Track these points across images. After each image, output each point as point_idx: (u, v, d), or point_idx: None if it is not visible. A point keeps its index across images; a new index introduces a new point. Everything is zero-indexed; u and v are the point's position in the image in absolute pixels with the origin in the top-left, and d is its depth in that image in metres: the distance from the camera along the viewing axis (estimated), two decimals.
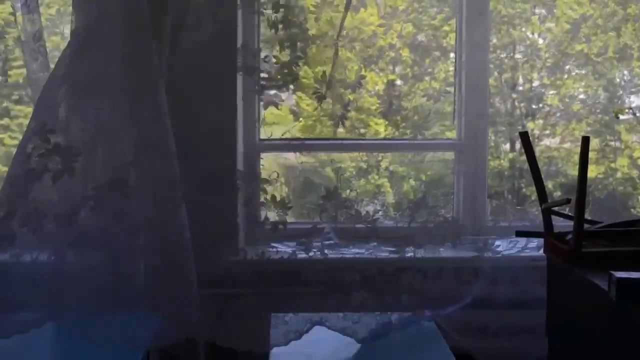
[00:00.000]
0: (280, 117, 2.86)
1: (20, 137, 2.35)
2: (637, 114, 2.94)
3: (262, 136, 2.76)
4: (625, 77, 2.97)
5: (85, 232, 2.29)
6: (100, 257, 2.30)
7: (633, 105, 2.94)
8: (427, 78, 2.96)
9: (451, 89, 2.86)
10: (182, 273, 2.32)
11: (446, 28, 2.91)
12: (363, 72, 2.89)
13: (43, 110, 2.28)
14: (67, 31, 2.64)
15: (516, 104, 2.97)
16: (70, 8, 2.35)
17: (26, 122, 2.44)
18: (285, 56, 2.72)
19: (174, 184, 2.33)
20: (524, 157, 2.28)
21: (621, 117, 2.92)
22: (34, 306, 2.23)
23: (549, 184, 2.83)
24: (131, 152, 2.31)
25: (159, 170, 2.33)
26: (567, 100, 2.95)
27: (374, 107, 2.94)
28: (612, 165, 2.93)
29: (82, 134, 2.31)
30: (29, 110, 2.56)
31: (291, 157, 2.85)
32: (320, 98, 2.70)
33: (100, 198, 2.29)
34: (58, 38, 2.74)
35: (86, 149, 2.29)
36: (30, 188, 2.26)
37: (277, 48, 2.71)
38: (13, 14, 2.57)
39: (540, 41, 2.95)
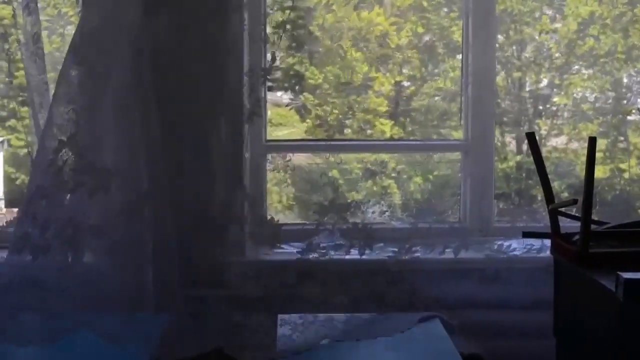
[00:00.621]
0: (286, 117, 2.87)
1: (27, 138, 2.38)
2: None
3: (269, 137, 2.76)
4: (633, 78, 2.95)
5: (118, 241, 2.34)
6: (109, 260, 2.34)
7: None
8: (434, 78, 2.95)
9: (458, 89, 2.85)
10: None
11: (454, 28, 2.90)
12: (372, 73, 2.89)
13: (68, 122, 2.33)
14: (67, 31, 2.66)
15: (524, 103, 2.95)
16: (70, 10, 2.38)
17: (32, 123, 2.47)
18: (291, 57, 2.72)
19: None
20: (532, 158, 2.27)
21: (628, 117, 2.91)
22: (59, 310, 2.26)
23: (556, 185, 2.82)
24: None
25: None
26: (575, 100, 2.94)
27: (380, 108, 2.93)
28: (620, 165, 2.92)
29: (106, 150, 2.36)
30: None
31: (297, 158, 2.85)
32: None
33: (132, 211, 2.34)
34: (59, 39, 2.76)
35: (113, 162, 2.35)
36: (64, 201, 2.31)
37: (284, 49, 2.72)
38: (14, 15, 2.58)
39: (549, 41, 2.94)
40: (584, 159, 2.04)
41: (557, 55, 2.93)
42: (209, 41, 2.48)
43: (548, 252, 2.25)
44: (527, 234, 2.41)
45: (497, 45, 2.81)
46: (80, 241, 2.33)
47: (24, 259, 2.28)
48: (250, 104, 2.64)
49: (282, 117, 2.90)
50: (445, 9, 2.93)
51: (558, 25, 2.93)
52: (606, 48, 2.88)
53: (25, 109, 2.71)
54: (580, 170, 2.81)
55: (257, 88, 2.63)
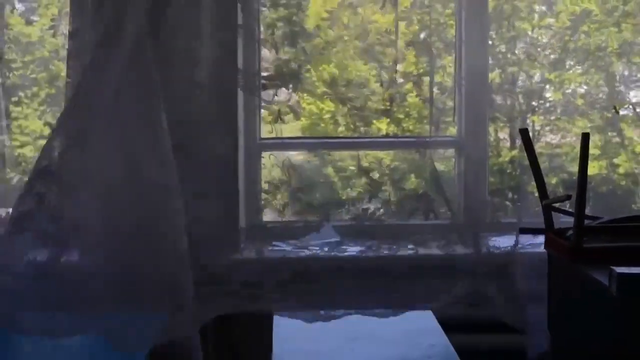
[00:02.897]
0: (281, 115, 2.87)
1: (20, 139, 2.39)
2: (638, 110, 2.93)
3: (263, 135, 2.76)
4: (626, 73, 2.96)
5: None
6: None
7: (634, 100, 2.94)
8: (428, 75, 2.95)
9: (452, 85, 2.85)
10: (176, 280, 2.34)
11: (451, 22, 2.88)
12: (366, 70, 2.89)
13: None
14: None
15: (517, 99, 2.95)
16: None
17: (25, 123, 2.46)
18: (285, 54, 2.72)
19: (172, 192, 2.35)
20: (525, 154, 2.28)
21: (622, 112, 2.91)
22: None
23: (551, 181, 2.82)
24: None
25: (154, 177, 2.34)
26: (568, 95, 2.94)
27: (375, 105, 2.93)
28: (614, 160, 2.92)
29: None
30: (28, 111, 2.57)
31: (292, 156, 2.85)
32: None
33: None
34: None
35: None
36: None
37: (277, 46, 2.71)
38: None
39: (542, 36, 2.94)
40: (578, 154, 2.04)
41: (550, 50, 2.93)
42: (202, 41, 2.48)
43: (542, 248, 2.26)
44: (523, 230, 2.41)
45: (490, 41, 2.80)
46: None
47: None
48: (245, 102, 2.65)
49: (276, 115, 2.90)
50: (441, 6, 2.92)
51: (551, 20, 2.93)
52: (599, 43, 2.88)
53: (19, 109, 2.70)
54: (574, 165, 2.82)
55: (252, 85, 2.63)
